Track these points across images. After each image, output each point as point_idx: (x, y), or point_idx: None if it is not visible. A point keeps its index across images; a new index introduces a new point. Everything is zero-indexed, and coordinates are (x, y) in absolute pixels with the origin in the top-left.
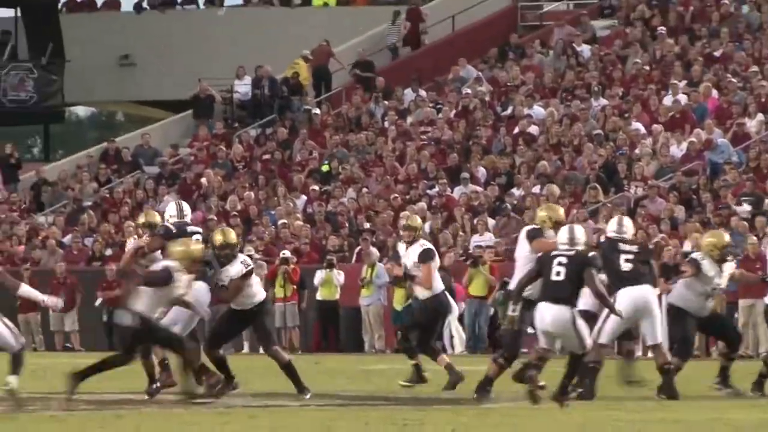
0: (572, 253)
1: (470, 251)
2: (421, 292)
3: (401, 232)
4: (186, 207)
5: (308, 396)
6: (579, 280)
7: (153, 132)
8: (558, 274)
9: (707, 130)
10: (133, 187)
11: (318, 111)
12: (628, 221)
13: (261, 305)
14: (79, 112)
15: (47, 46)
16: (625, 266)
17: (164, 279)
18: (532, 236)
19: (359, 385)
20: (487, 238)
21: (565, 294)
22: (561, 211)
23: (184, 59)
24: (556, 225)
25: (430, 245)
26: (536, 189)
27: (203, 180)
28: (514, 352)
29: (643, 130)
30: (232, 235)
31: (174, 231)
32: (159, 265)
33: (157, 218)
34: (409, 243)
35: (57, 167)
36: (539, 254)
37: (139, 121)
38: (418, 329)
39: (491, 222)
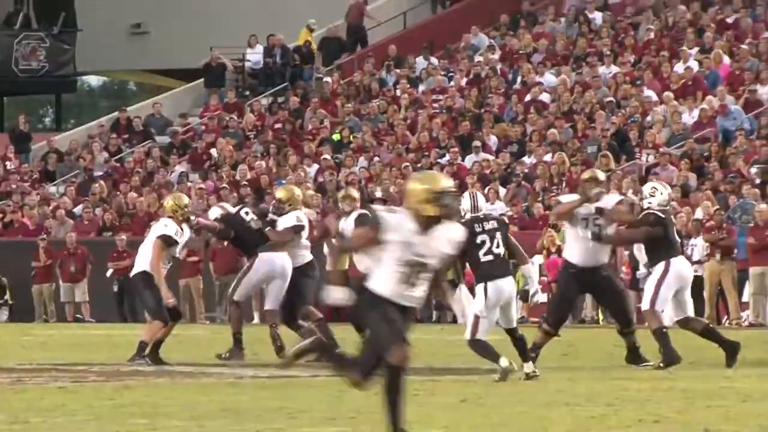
0: None
1: None
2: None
3: (341, 204)
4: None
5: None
6: None
7: (164, 101)
8: None
9: (720, 96)
10: (144, 156)
11: (329, 79)
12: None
13: (305, 266)
14: (91, 82)
15: (59, 15)
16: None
17: None
18: None
19: None
20: (498, 207)
21: None
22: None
23: (195, 28)
24: None
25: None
26: (547, 157)
27: (214, 150)
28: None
29: (654, 97)
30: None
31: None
32: None
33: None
34: (348, 213)
35: (68, 137)
36: None
37: (151, 90)
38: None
39: (502, 190)
